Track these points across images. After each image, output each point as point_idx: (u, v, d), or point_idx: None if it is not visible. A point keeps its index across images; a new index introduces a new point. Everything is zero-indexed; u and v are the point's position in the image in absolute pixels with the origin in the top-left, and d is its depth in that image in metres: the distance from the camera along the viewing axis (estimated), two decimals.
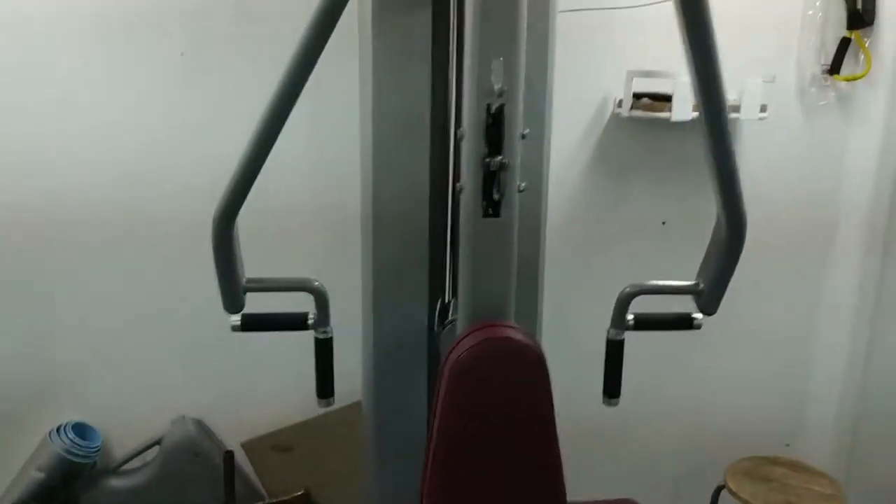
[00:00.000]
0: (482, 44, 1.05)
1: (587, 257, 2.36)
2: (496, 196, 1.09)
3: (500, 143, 1.08)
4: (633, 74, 2.04)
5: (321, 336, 1.37)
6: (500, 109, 1.06)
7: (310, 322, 1.36)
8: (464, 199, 1.12)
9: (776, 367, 2.55)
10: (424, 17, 1.29)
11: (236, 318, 1.36)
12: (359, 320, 1.46)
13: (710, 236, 1.30)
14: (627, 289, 1.33)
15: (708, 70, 1.04)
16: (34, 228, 2.21)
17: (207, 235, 1.23)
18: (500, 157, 1.08)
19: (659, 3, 1.98)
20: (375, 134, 1.32)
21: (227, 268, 1.27)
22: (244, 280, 1.32)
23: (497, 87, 1.05)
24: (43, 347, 2.31)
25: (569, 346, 2.03)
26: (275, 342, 1.84)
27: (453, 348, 1.13)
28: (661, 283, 1.35)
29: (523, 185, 1.14)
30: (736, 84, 2.08)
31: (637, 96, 2.08)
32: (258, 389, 2.39)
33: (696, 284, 1.32)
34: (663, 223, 2.36)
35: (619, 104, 2.13)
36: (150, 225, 2.23)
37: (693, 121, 1.99)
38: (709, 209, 1.27)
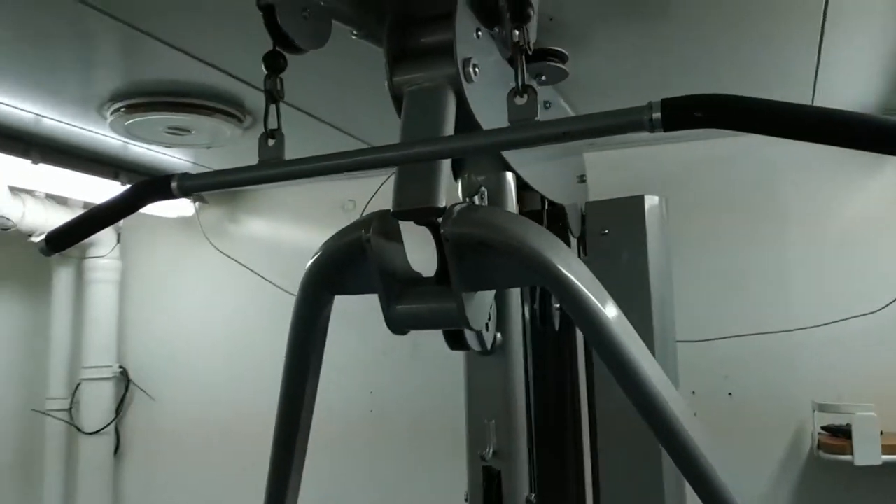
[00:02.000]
0: (477, 402, 1.04)
1: None
2: None
3: None
4: (815, 406, 1.76)
5: None
6: (498, 474, 1.01)
7: None
8: None
9: None
10: None
11: None
12: None
13: None
14: None
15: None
16: None
17: None
18: None
19: (829, 323, 1.78)
20: None
21: None
22: None
23: (488, 449, 1.01)
24: None
25: None
26: None
27: None
28: None
29: None
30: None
31: (826, 430, 1.77)
32: None
33: None
34: None
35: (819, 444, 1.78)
36: None
37: (888, 464, 1.62)
38: None
